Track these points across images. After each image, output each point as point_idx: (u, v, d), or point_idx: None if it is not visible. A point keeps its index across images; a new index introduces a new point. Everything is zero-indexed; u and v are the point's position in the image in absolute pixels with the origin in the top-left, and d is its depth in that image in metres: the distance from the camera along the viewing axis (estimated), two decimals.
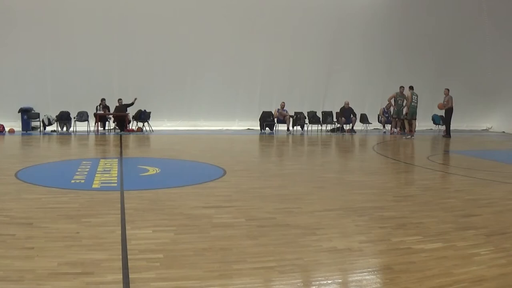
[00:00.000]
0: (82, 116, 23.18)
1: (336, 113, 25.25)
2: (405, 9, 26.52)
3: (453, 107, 23.21)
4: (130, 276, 5.25)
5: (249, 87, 24.61)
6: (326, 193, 10.33)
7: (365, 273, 5.57)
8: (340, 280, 5.47)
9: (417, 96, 23.15)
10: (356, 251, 6.25)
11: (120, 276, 5.24)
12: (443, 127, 25.35)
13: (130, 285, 5.06)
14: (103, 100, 22.90)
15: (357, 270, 5.66)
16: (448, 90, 23.13)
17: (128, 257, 5.82)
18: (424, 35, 27.02)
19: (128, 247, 6.19)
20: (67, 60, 23.10)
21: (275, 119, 24.25)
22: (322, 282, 5.34)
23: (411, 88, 23.13)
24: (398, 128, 24.57)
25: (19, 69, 22.85)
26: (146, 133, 22.73)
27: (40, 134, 22.42)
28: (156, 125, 23.44)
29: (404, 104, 23.42)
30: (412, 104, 22.87)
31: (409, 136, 22.74)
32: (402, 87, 23.59)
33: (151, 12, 23.77)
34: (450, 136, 23.40)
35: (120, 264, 5.60)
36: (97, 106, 23.00)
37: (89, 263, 5.61)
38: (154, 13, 23.73)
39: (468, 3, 26.91)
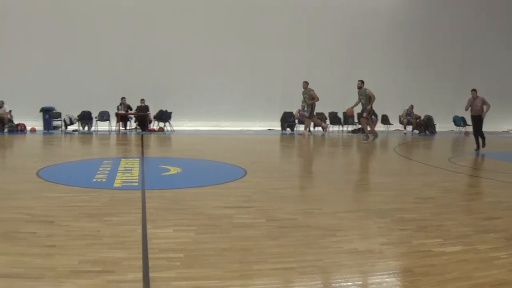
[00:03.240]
0: (104, 116, 23.32)
1: (357, 114, 25.08)
2: (427, 8, 26.32)
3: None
4: (150, 275, 5.23)
5: (270, 88, 24.60)
6: (347, 194, 10.26)
7: (385, 276, 5.50)
8: (360, 282, 5.41)
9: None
10: (377, 253, 6.18)
11: (141, 275, 5.23)
12: (464, 129, 25.08)
13: (151, 284, 5.05)
14: (123, 99, 22.99)
15: (378, 273, 5.60)
16: (475, 91, 19.03)
17: (149, 256, 5.81)
18: (446, 35, 26.78)
19: (149, 246, 6.18)
20: (89, 60, 23.27)
21: (296, 120, 24.18)
22: (342, 284, 5.28)
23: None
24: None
25: (41, 69, 23.08)
26: (167, 133, 22.79)
27: (62, 133, 22.56)
28: (177, 125, 23.49)
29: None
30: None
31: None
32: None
33: (174, 12, 23.85)
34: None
35: (140, 263, 5.59)
36: (118, 106, 23.09)
37: (110, 262, 5.61)
38: (176, 13, 23.82)
39: (492, 2, 26.63)
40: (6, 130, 22.57)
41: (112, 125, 23.24)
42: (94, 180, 10.85)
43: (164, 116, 23.51)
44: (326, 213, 8.20)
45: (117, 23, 23.34)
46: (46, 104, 23.09)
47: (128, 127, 23.53)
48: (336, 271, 5.62)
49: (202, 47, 24.23)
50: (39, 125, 23.17)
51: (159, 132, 22.89)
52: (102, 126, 23.39)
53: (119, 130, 22.90)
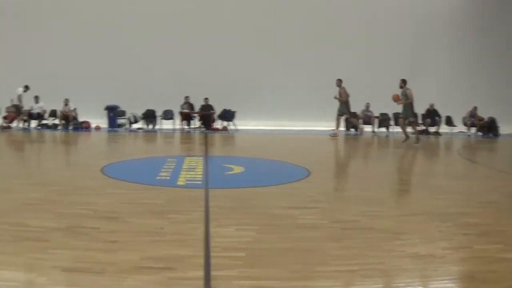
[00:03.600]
0: (168, 114, 23.61)
1: (422, 115, 24.58)
2: (490, 6, 25.59)
3: None
4: (212, 273, 5.25)
5: (334, 87, 24.32)
6: (410, 196, 10.11)
7: (446, 281, 5.38)
8: (421, 287, 5.31)
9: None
10: (439, 257, 6.02)
11: (202, 273, 5.26)
12: None
13: (212, 282, 5.06)
14: (187, 98, 23.21)
15: (439, 278, 5.47)
16: None
17: (211, 254, 5.84)
18: (510, 34, 25.94)
19: (211, 244, 6.21)
20: (153, 58, 23.61)
21: (360, 120, 23.87)
22: None
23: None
24: None
25: (106, 67, 23.52)
26: (231, 132, 22.87)
27: (126, 131, 22.95)
28: (241, 124, 23.55)
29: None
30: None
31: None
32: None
33: (237, 11, 23.93)
34: None
35: (202, 261, 5.62)
36: (181, 105, 23.33)
37: (172, 259, 5.66)
38: (241, 11, 23.89)
39: None
40: (71, 127, 23.13)
41: (176, 123, 23.50)
42: (158, 178, 10.97)
43: (228, 115, 23.62)
44: (389, 215, 8.07)
45: (182, 22, 23.60)
46: (111, 103, 23.54)
47: (192, 126, 23.74)
48: (398, 275, 5.52)
49: (267, 46, 24.23)
50: (103, 123, 23.65)
51: (223, 131, 23.01)
52: (166, 125, 23.68)
53: (183, 128, 23.13)
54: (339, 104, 21.23)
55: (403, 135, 19.13)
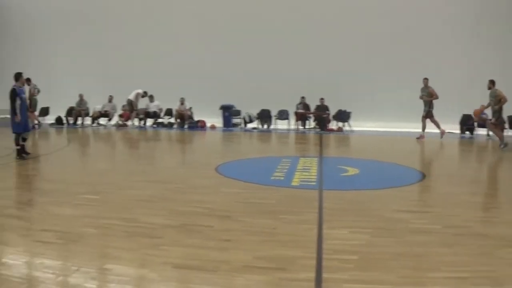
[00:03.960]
0: (283, 115, 23.72)
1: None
2: None
3: None
4: (323, 276, 5.24)
5: (450, 89, 23.41)
6: None
7: None
8: None
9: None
10: None
11: (313, 275, 5.26)
12: None
13: (323, 284, 5.05)
14: (302, 98, 23.23)
15: None
16: None
17: (323, 256, 5.83)
18: None
19: (324, 246, 6.19)
20: (270, 58, 23.77)
21: (475, 123, 22.85)
22: None
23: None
24: None
25: (222, 67, 23.93)
26: (346, 133, 22.67)
27: (241, 130, 23.26)
28: (356, 125, 23.28)
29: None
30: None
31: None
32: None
33: (356, 11, 23.63)
34: None
35: (314, 262, 5.62)
36: (297, 105, 23.38)
37: (283, 259, 5.70)
38: (355, 14, 23.55)
39: None
40: (186, 126, 23.76)
41: (291, 123, 23.56)
42: (272, 178, 11.07)
43: (343, 116, 23.42)
44: (504, 222, 7.71)
45: (298, 23, 23.60)
46: (226, 102, 23.94)
47: (307, 126, 23.73)
48: (510, 284, 5.27)
49: (382, 46, 23.77)
50: (219, 122, 24.09)
51: (338, 132, 22.86)
52: (281, 125, 23.81)
53: (297, 129, 23.17)
54: (424, 104, 20.45)
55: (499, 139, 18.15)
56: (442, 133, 20.11)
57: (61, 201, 8.76)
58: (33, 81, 21.20)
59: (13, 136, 13.91)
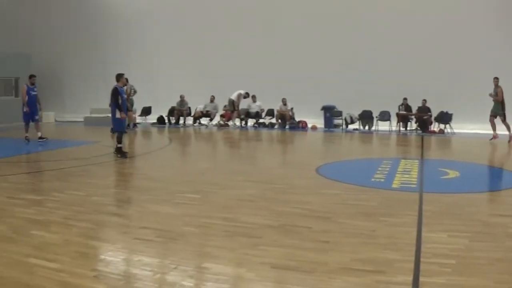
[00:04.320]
0: (384, 116, 23.43)
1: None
2: None
3: None
4: (420, 279, 5.17)
5: None
6: None
7: None
8: None
9: None
10: None
11: (410, 278, 5.21)
12: None
13: None
14: (405, 99, 22.85)
15: None
16: None
17: (421, 260, 5.75)
18: None
19: (422, 249, 6.11)
20: (371, 59, 23.52)
21: None
22: None
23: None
24: None
25: (324, 68, 23.83)
26: (448, 135, 22.11)
27: (342, 131, 23.16)
28: (458, 127, 22.64)
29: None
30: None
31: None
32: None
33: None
34: None
35: (411, 266, 5.56)
36: (399, 106, 23.04)
37: (381, 262, 5.68)
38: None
39: None
40: (287, 126, 23.91)
41: (393, 125, 23.24)
42: (373, 179, 11.00)
43: (445, 117, 22.85)
44: None
45: (401, 23, 23.20)
46: (328, 103, 23.90)
47: (408, 128, 23.33)
48: None
49: (488, 45, 22.98)
50: (320, 123, 24.08)
51: (439, 134, 22.32)
52: (382, 126, 23.52)
53: (399, 130, 22.83)
54: (494, 105, 19.50)
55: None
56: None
57: (161, 200, 9.08)
58: (131, 82, 21.85)
59: (109, 134, 14.47)
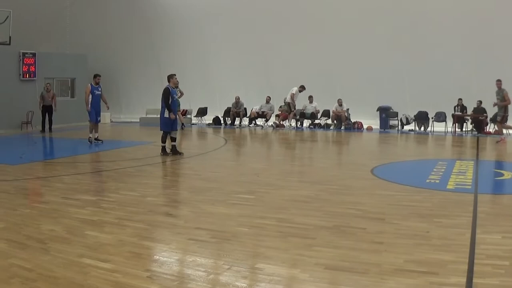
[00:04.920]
0: (440, 117, 23.11)
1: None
2: None
3: None
4: (473, 281, 5.14)
5: None
6: None
7: None
8: None
9: None
10: None
11: (464, 280, 5.17)
12: None
13: None
14: (460, 100, 22.51)
15: None
16: None
17: (475, 261, 5.70)
18: None
19: (476, 251, 6.05)
20: (427, 59, 23.22)
21: None
22: None
23: None
24: None
25: (377, 69, 23.64)
26: (504, 136, 21.66)
27: (398, 132, 22.96)
28: None
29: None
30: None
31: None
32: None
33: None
34: None
35: (465, 267, 5.51)
36: (455, 107, 22.70)
37: (435, 263, 5.65)
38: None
39: None
40: (343, 127, 23.86)
41: (448, 126, 22.92)
42: (428, 180, 10.90)
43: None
44: None
45: (455, 25, 22.82)
46: (383, 104, 23.74)
47: (464, 129, 22.98)
48: None
49: None
50: (375, 124, 23.93)
51: (496, 135, 21.88)
52: (438, 127, 23.20)
53: (455, 131, 22.49)
54: (498, 109, 18.97)
55: None
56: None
57: (216, 200, 9.20)
58: (187, 83, 22.01)
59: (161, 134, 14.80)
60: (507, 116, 19.01)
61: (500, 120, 19.14)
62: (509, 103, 18.77)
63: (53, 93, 23.52)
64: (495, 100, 18.90)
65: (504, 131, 19.89)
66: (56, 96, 23.89)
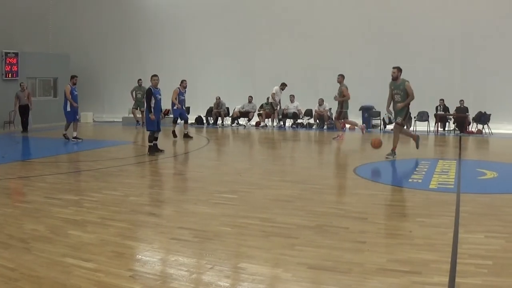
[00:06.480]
0: (423, 116, 23.17)
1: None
2: None
3: None
4: (456, 280, 5.12)
5: None
6: None
7: None
8: None
9: None
10: None
11: (447, 279, 5.15)
12: None
13: None
14: (441, 100, 22.59)
15: None
16: None
17: (457, 260, 5.68)
18: None
19: (459, 250, 6.03)
20: (410, 59, 23.24)
21: None
22: None
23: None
24: None
25: (359, 69, 23.65)
26: (485, 135, 21.76)
27: (380, 132, 23.00)
28: (496, 127, 22.26)
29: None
30: None
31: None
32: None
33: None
34: None
35: (448, 267, 5.49)
36: (437, 107, 22.77)
37: (417, 263, 5.63)
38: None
39: None
40: (325, 127, 23.83)
41: (431, 125, 22.97)
42: (410, 180, 10.90)
43: (483, 118, 22.50)
44: None
45: (444, 26, 22.92)
46: (366, 103, 23.74)
47: (446, 129, 23.06)
48: None
49: None
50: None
51: (477, 135, 21.99)
52: (421, 127, 23.23)
53: (437, 131, 22.56)
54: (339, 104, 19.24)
55: None
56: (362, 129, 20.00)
57: (199, 199, 9.15)
58: (171, 82, 21.80)
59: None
60: (345, 111, 19.07)
61: (337, 116, 19.26)
62: (348, 99, 18.89)
63: (27, 92, 23.14)
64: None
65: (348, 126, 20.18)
66: (31, 95, 23.58)
